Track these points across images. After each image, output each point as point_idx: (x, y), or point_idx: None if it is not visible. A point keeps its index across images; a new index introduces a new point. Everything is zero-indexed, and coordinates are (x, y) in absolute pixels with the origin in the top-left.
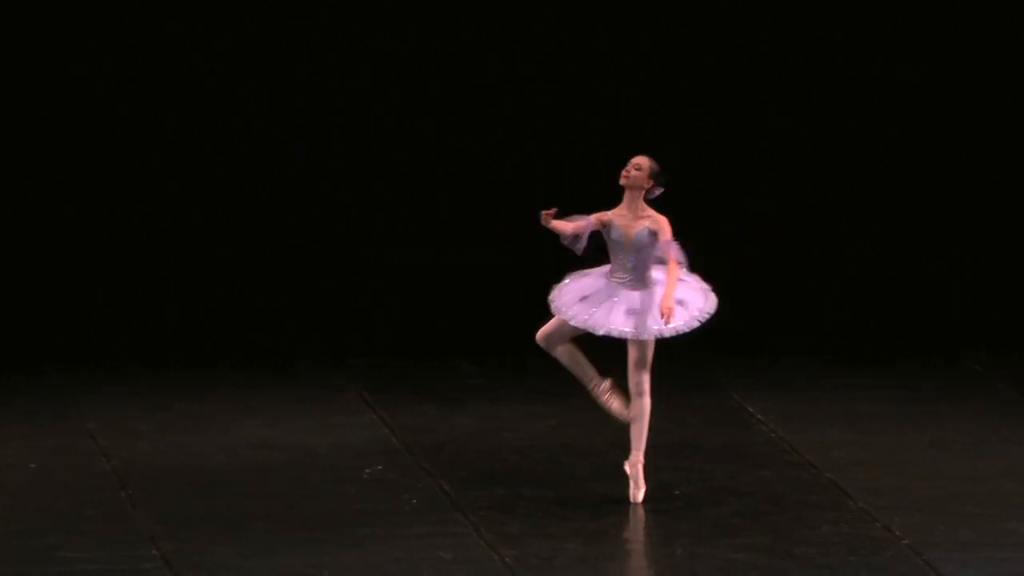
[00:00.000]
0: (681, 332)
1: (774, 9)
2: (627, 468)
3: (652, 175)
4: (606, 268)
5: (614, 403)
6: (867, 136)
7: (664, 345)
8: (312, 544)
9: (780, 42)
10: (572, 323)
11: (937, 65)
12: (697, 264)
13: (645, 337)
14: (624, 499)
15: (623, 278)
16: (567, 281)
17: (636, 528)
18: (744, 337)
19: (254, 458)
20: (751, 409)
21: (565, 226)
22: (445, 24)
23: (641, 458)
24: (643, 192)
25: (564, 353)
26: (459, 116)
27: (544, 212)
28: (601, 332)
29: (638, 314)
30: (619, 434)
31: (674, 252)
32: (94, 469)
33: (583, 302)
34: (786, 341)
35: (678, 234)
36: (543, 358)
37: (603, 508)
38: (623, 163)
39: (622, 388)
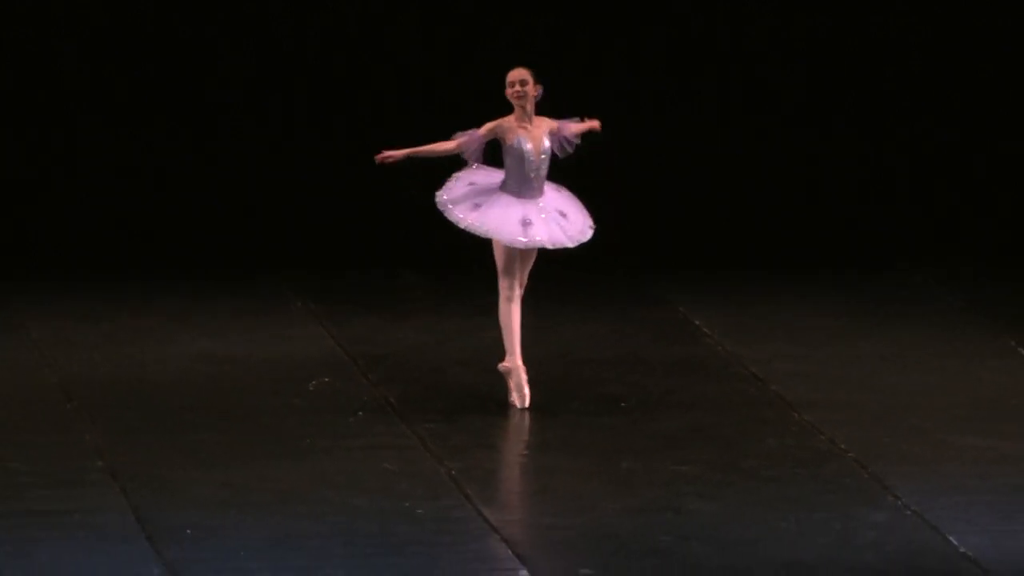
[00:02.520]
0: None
1: None
2: (502, 368)
3: (536, 80)
4: (494, 176)
5: (512, 387)
6: (814, 49)
7: (610, 260)
8: (257, 456)
9: None
10: (523, 242)
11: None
12: (643, 179)
13: (587, 239)
14: (569, 410)
15: (525, 188)
16: (461, 189)
17: (579, 440)
18: (690, 251)
19: (198, 370)
20: (697, 322)
21: (435, 148)
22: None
23: (519, 361)
24: (535, 100)
25: (510, 313)
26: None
27: (379, 156)
28: (551, 246)
29: (568, 218)
30: (562, 346)
31: (573, 123)
32: (39, 381)
33: (516, 219)
34: (733, 254)
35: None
36: (487, 271)
37: (546, 420)
38: None
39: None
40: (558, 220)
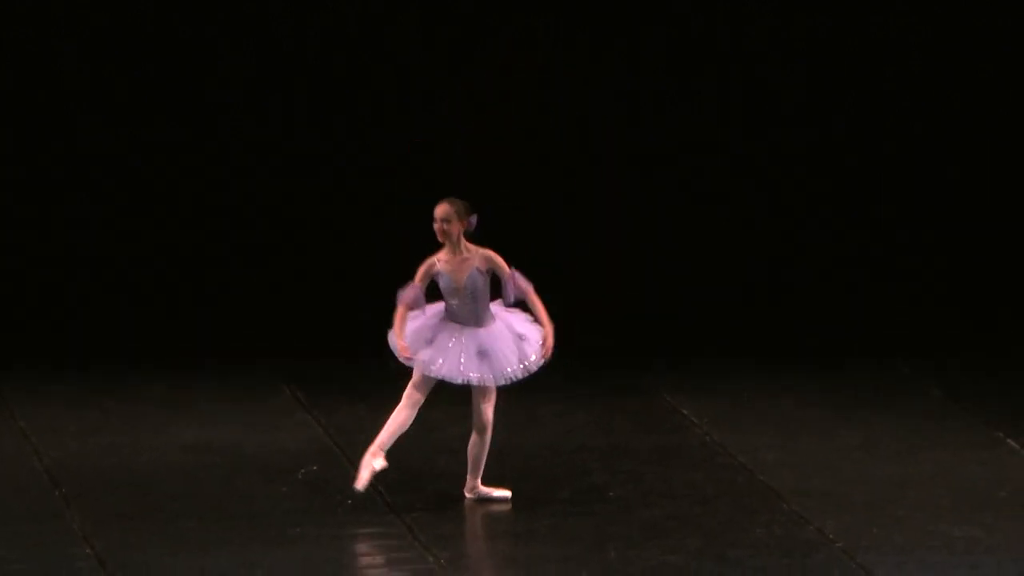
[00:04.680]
0: (512, 380)
1: None
2: (468, 493)
3: (461, 216)
4: (438, 307)
5: (368, 473)
6: (800, 128)
7: (596, 348)
8: (245, 544)
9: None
10: (428, 373)
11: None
12: (629, 267)
13: (502, 383)
14: (556, 500)
15: (461, 318)
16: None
17: (568, 530)
18: (676, 340)
19: (186, 458)
20: (684, 411)
21: (403, 317)
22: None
23: (479, 483)
24: (461, 236)
25: (402, 421)
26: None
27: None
28: (460, 381)
29: (489, 357)
30: (550, 436)
31: (522, 282)
32: (27, 468)
33: (430, 347)
34: (717, 344)
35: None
36: None
37: (535, 510)
38: None
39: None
40: (467, 355)
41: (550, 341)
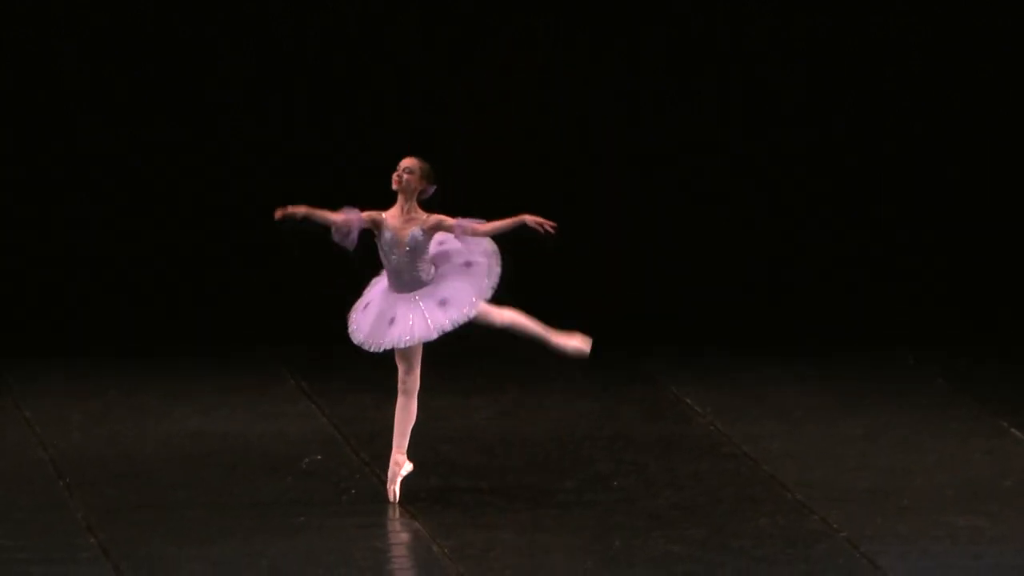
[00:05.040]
0: (447, 329)
1: None
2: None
3: (424, 176)
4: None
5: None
6: (800, 128)
7: (601, 338)
8: (248, 533)
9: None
10: (352, 339)
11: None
12: (629, 266)
13: (381, 349)
14: (561, 490)
15: (397, 283)
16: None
17: (572, 520)
18: (681, 330)
19: (190, 447)
20: (688, 401)
21: (329, 215)
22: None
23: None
24: (416, 195)
25: (413, 410)
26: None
27: (279, 211)
28: (360, 342)
29: (395, 323)
30: (554, 426)
31: (469, 224)
32: (31, 458)
33: (361, 312)
34: (722, 333)
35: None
36: (478, 349)
37: (539, 499)
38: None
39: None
40: (430, 311)
41: (530, 219)
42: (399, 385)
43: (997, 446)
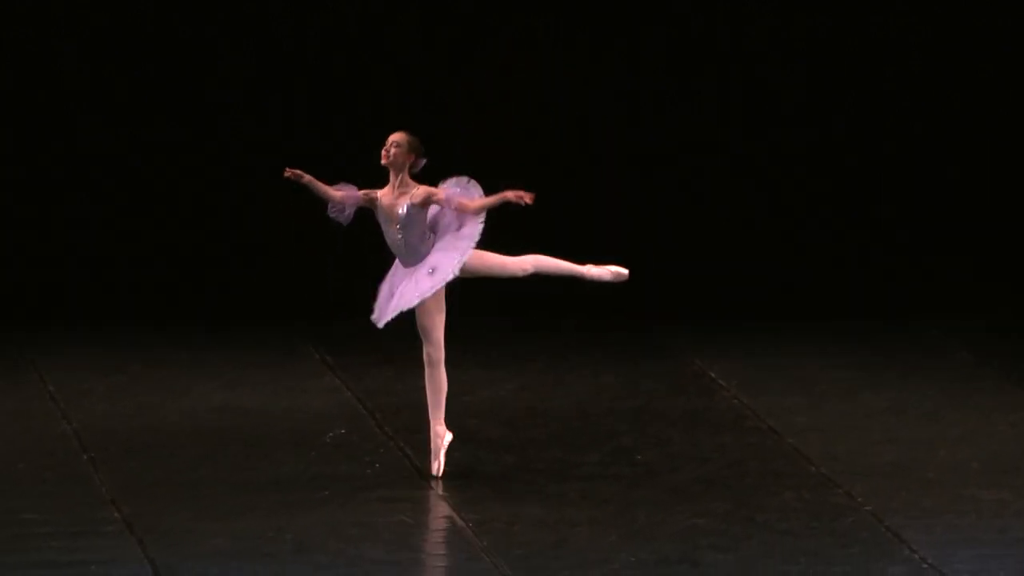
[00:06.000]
0: (425, 296)
1: None
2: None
3: (412, 149)
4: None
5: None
6: (828, 100)
7: (626, 311)
8: (273, 507)
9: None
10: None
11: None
12: (653, 229)
13: (381, 324)
14: (585, 463)
15: (399, 257)
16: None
17: (596, 493)
18: (705, 303)
19: (214, 421)
20: (712, 375)
21: (329, 190)
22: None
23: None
24: (406, 168)
25: (442, 381)
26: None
27: (289, 170)
28: (374, 319)
29: (394, 298)
30: (578, 399)
31: (460, 199)
32: (55, 432)
33: (386, 296)
34: (747, 306)
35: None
36: (503, 322)
37: (564, 472)
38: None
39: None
40: (419, 280)
41: (511, 194)
42: (424, 358)
43: (1021, 419)
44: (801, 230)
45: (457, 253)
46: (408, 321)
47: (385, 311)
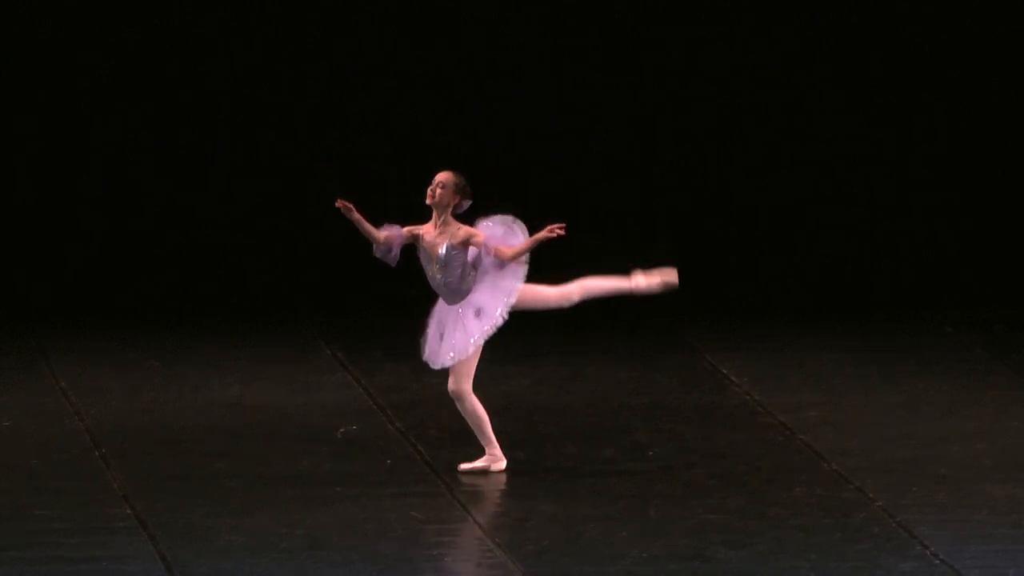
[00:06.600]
0: (468, 350)
1: None
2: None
3: (458, 190)
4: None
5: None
6: (839, 93)
7: (639, 306)
8: (285, 503)
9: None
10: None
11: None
12: (666, 223)
13: (439, 367)
14: (598, 459)
15: (443, 293)
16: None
17: (609, 489)
18: (718, 298)
19: (227, 417)
20: (725, 371)
21: (373, 231)
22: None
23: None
24: (451, 208)
25: (475, 411)
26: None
27: (340, 201)
28: (426, 360)
29: (443, 340)
30: (591, 395)
31: (498, 245)
32: (68, 428)
33: (434, 337)
34: (759, 302)
35: None
36: (516, 319)
37: (576, 469)
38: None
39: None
40: (467, 322)
41: (542, 235)
42: (449, 393)
43: None
44: (814, 225)
45: (503, 296)
46: (418, 318)
47: (438, 354)
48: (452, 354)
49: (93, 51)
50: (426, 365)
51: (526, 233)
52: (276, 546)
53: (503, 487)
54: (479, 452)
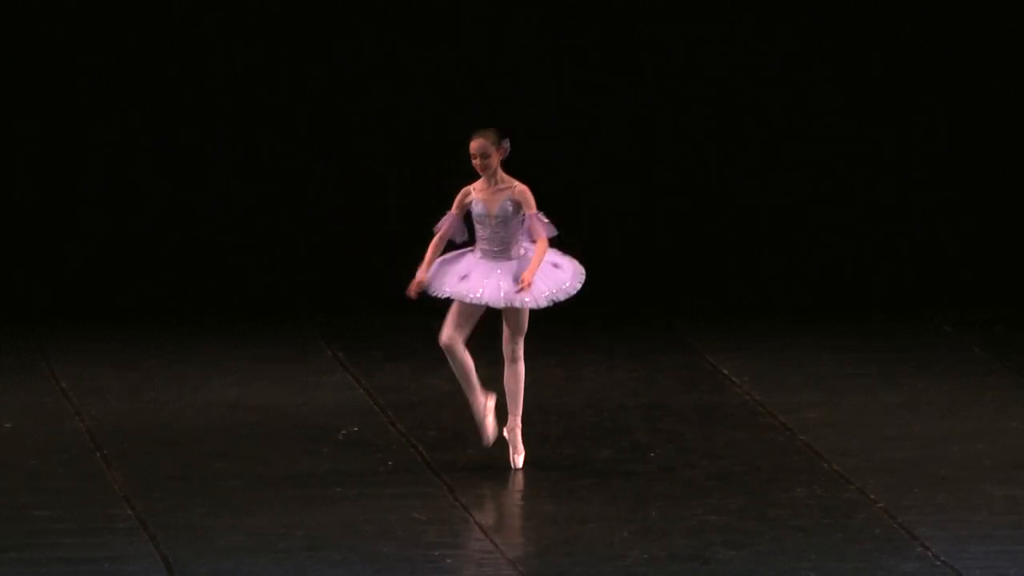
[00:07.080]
0: (554, 301)
1: None
2: (506, 433)
3: (496, 146)
4: (471, 249)
5: (489, 420)
6: (839, 93)
7: (637, 307)
8: (285, 504)
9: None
10: (464, 300)
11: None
12: (666, 224)
13: (544, 305)
14: (597, 459)
15: (491, 250)
16: (437, 265)
17: (609, 489)
18: (718, 298)
19: (227, 417)
20: (725, 371)
21: (434, 244)
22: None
23: (519, 423)
24: (499, 164)
25: (462, 363)
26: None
27: (411, 289)
28: (503, 305)
29: (513, 284)
30: (591, 395)
31: (541, 228)
32: (68, 428)
33: (464, 281)
34: (759, 302)
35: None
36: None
37: (576, 469)
38: None
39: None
40: (505, 282)
41: (527, 278)
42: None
43: None
44: (814, 225)
45: (549, 289)
46: (418, 318)
47: (448, 284)
48: (547, 292)
49: (93, 51)
50: (439, 352)
51: (578, 275)
52: (275, 546)
53: (503, 487)
54: (479, 452)
